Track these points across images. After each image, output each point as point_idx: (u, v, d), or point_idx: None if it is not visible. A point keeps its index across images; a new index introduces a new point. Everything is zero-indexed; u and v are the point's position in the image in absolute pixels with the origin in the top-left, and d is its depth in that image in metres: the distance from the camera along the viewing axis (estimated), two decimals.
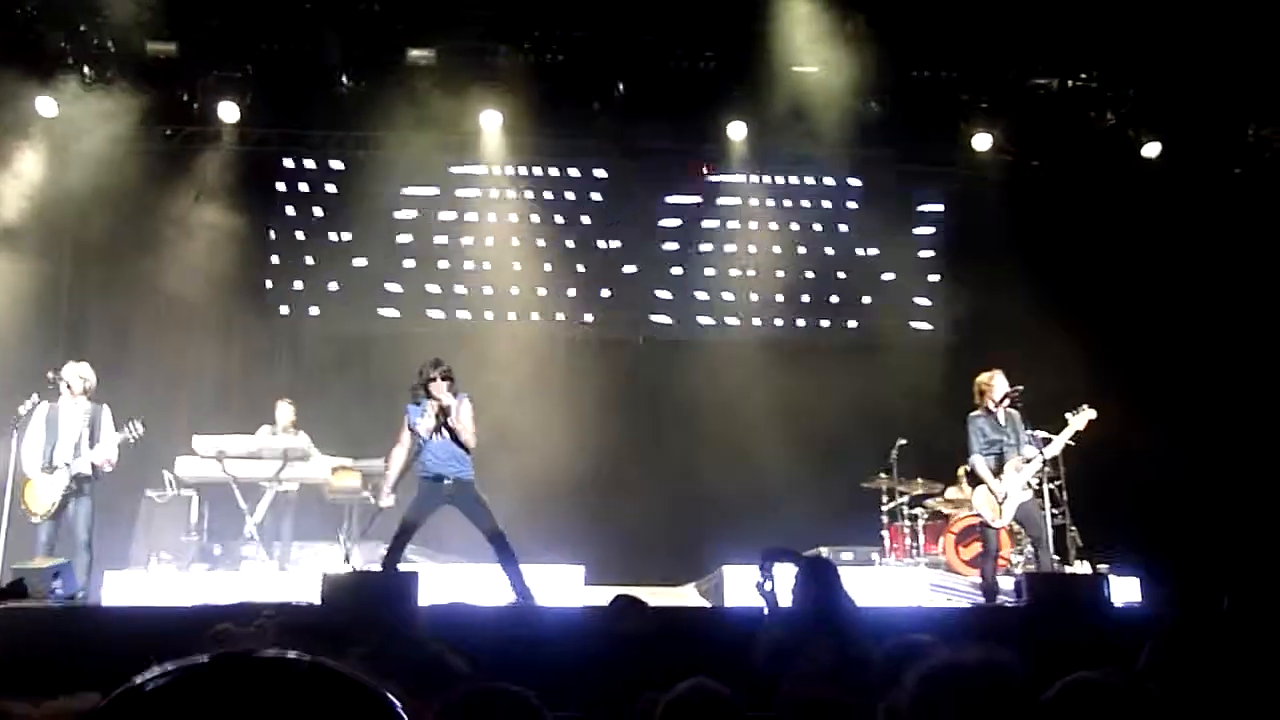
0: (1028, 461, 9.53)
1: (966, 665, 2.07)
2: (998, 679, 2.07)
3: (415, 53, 13.10)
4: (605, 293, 14.57)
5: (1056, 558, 10.14)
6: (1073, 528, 11.04)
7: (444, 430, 8.69)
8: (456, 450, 8.74)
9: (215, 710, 0.86)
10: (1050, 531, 9.92)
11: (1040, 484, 10.06)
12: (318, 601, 7.72)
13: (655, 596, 10.30)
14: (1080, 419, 9.78)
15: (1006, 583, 9.61)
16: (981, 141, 13.99)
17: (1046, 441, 9.75)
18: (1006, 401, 9.65)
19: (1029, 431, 9.67)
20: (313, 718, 0.86)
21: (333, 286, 14.27)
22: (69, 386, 9.70)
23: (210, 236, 13.42)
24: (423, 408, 8.76)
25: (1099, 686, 2.54)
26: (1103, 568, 10.56)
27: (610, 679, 5.66)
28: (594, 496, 12.80)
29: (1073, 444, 9.92)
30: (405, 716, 0.91)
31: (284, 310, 14.33)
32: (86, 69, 12.88)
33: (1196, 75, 13.12)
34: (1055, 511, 10.66)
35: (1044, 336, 12.25)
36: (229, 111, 13.37)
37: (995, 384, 9.71)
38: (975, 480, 9.72)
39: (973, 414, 9.77)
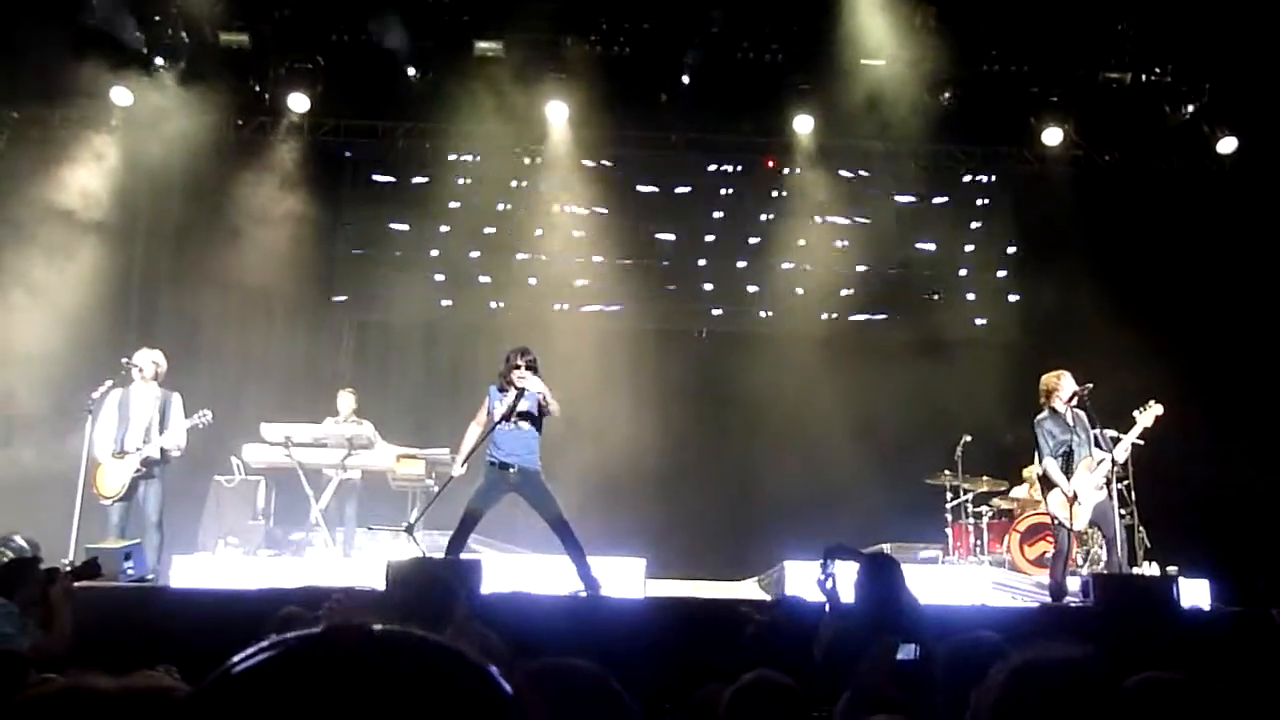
0: (1100, 462, 9.37)
1: (1054, 662, 2.05)
2: (1085, 677, 2.04)
3: (483, 44, 13.18)
4: (668, 286, 14.55)
5: (1125, 561, 9.96)
6: (1141, 529, 10.85)
7: (516, 418, 8.75)
8: (527, 439, 8.82)
9: (329, 680, 0.86)
10: (1120, 535, 9.75)
11: (1108, 483, 9.92)
12: (381, 587, 7.78)
13: (716, 590, 10.34)
14: (1148, 415, 9.60)
15: (1073, 583, 9.47)
16: (1052, 136, 13.80)
17: (1115, 441, 9.59)
18: (1074, 401, 9.49)
19: (1097, 430, 9.51)
20: (423, 691, 0.86)
21: (398, 276, 14.37)
22: (141, 372, 9.86)
23: (279, 226, 13.56)
24: (505, 392, 8.84)
25: (1168, 685, 2.50)
26: (1172, 570, 10.37)
27: (671, 670, 5.66)
28: (656, 490, 12.80)
29: (1141, 442, 9.75)
30: (509, 690, 0.91)
31: (350, 299, 14.45)
32: (160, 60, 13.10)
33: (1274, 69, 12.84)
34: (1123, 512, 10.48)
35: (1112, 335, 12.07)
36: (299, 102, 13.53)
37: (1062, 383, 9.53)
38: (1048, 484, 9.56)
39: (1039, 416, 9.60)
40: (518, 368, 8.78)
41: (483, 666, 0.90)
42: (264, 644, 0.90)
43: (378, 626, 0.90)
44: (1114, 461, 9.49)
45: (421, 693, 0.85)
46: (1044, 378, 9.69)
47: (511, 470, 8.75)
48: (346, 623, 0.90)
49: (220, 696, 0.88)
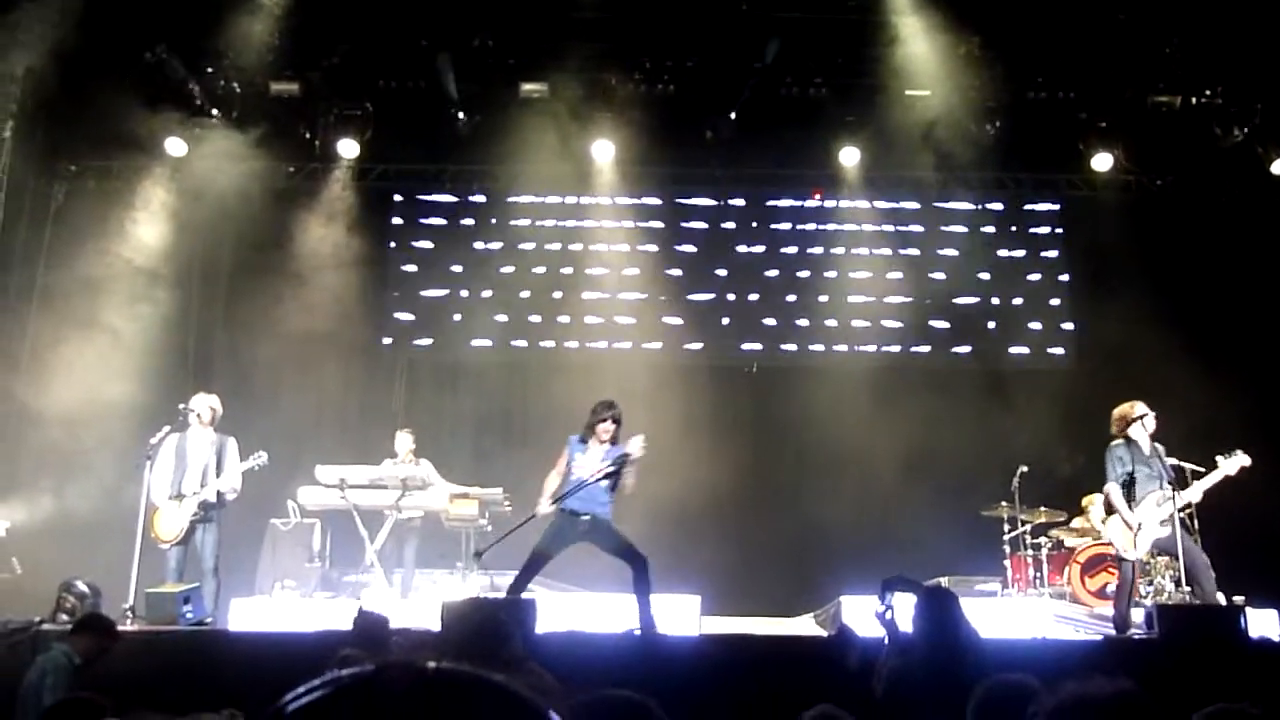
0: (1169, 498, 9.17)
1: (1097, 698, 2.00)
2: (1128, 711, 2.00)
3: (529, 86, 13.31)
4: (718, 321, 14.54)
5: (1187, 589, 9.74)
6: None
7: (602, 474, 8.77)
8: (603, 491, 8.84)
9: (382, 716, 0.86)
10: (1182, 562, 9.53)
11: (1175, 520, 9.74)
12: (436, 628, 7.78)
13: (772, 627, 10.26)
14: (1232, 464, 9.31)
15: (1136, 614, 9.29)
16: (1101, 161, 13.69)
17: (1198, 475, 9.40)
18: (1144, 438, 9.31)
19: (1171, 461, 9.32)
20: None
21: (448, 317, 14.48)
22: (198, 416, 9.99)
23: (331, 270, 13.72)
24: (587, 445, 8.92)
25: (1237, 717, 2.45)
26: (1238, 599, 10.13)
27: (728, 707, 5.62)
28: (710, 526, 12.73)
29: (1201, 469, 9.57)
30: None
31: (402, 341, 14.56)
32: (213, 110, 13.35)
33: None
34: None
35: (1170, 361, 11.89)
36: (349, 148, 13.73)
37: (1135, 412, 9.38)
38: (1110, 510, 9.40)
39: (1114, 443, 9.45)
40: (603, 421, 8.88)
41: (534, 702, 0.90)
42: (318, 681, 0.90)
43: (431, 664, 0.90)
44: (1188, 501, 9.29)
45: None
46: (1118, 408, 9.51)
47: (584, 519, 8.77)
48: (400, 660, 0.90)
49: None
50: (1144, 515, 9.13)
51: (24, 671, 6.59)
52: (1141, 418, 9.35)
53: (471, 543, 11.78)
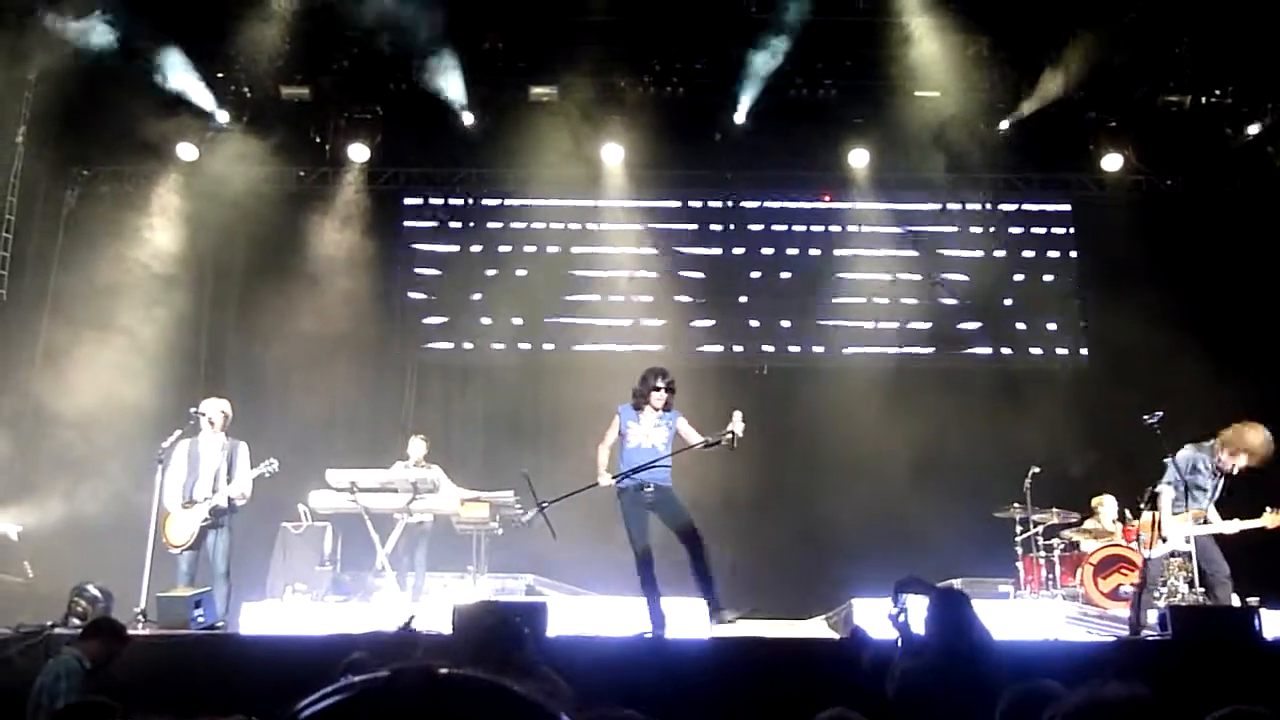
0: (1206, 522, 9.13)
1: (1109, 701, 1.99)
2: (1142, 715, 1.99)
3: (538, 89, 13.35)
4: (726, 322, 14.53)
5: (1201, 590, 9.71)
6: None
7: (653, 439, 8.83)
8: (658, 455, 8.85)
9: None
10: (1195, 564, 9.50)
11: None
12: (448, 631, 7.79)
13: (783, 629, 10.24)
14: (1273, 519, 9.26)
15: (1150, 616, 9.25)
16: (1112, 162, 13.67)
17: (1229, 490, 9.36)
18: (1235, 468, 9.12)
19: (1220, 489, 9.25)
20: None
21: (460, 320, 14.50)
22: (210, 421, 10.02)
23: (342, 274, 13.76)
24: (640, 413, 8.93)
25: (1253, 718, 2.43)
26: (1253, 600, 10.09)
27: (739, 710, 5.61)
28: (720, 528, 12.67)
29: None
30: None
31: (412, 344, 14.59)
32: (224, 115, 13.40)
33: None
34: None
35: (1182, 360, 11.86)
36: (359, 152, 13.77)
37: (1246, 447, 9.07)
38: (1153, 505, 9.30)
39: (1192, 447, 9.32)
40: (657, 389, 8.87)
41: (546, 707, 0.90)
42: (332, 687, 0.90)
43: (442, 669, 0.90)
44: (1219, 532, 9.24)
45: None
46: (1232, 427, 9.21)
47: (648, 490, 8.76)
48: (412, 665, 0.90)
49: None
50: (1177, 526, 9.08)
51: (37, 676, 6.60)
52: (1242, 452, 9.13)
53: (483, 546, 11.79)
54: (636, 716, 2.74)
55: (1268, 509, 9.34)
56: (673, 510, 8.84)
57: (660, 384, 8.88)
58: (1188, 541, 9.16)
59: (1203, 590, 9.58)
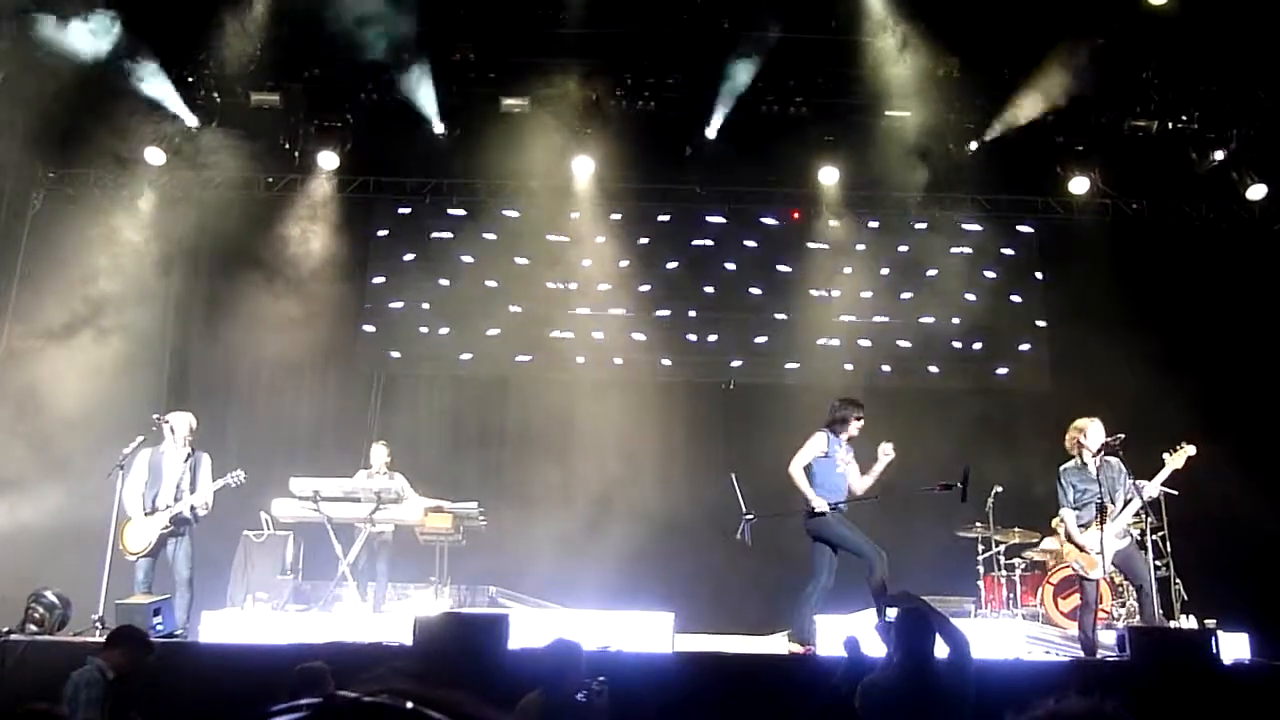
0: (1127, 503, 9.20)
1: (1072, 715, 1.99)
2: None
3: (509, 101, 13.34)
4: (694, 338, 14.54)
5: (1161, 612, 9.81)
6: (1178, 581, 10.70)
7: (850, 467, 9.57)
8: (847, 482, 9.58)
9: None
10: (1154, 582, 9.59)
11: (1143, 535, 9.77)
12: (409, 643, 7.75)
13: (746, 645, 10.24)
14: (1179, 457, 9.35)
15: (1108, 636, 9.32)
16: (1078, 185, 13.79)
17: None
18: (1103, 451, 9.34)
19: (1131, 480, 9.34)
20: None
21: (426, 331, 14.44)
22: (173, 431, 9.95)
23: (308, 282, 13.69)
24: (840, 440, 9.60)
25: None
26: (1210, 622, 10.18)
27: None
28: (684, 542, 12.72)
29: (1174, 492, 9.62)
30: None
31: (378, 354, 14.51)
32: (193, 120, 13.31)
33: None
34: (1159, 564, 10.35)
35: (1144, 383, 11.97)
36: (329, 160, 13.71)
37: (1090, 432, 9.37)
38: (1068, 534, 9.46)
39: (1064, 466, 9.47)
40: (859, 419, 9.73)
41: None
42: (278, 708, 0.90)
43: (369, 698, 0.92)
44: (1142, 502, 9.30)
45: None
46: (1074, 424, 9.53)
47: (841, 508, 9.46)
48: (339, 694, 0.91)
49: None
50: (1104, 533, 9.11)
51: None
52: (1079, 433, 9.39)
53: (446, 556, 11.75)
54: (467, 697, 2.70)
55: (1165, 455, 9.41)
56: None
57: (861, 414, 9.74)
58: (1123, 537, 9.21)
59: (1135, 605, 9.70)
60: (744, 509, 9.38)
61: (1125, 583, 10.32)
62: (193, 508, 9.84)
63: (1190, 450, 9.38)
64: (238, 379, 13.55)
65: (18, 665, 7.84)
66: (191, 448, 10.10)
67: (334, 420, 14.07)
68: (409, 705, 0.91)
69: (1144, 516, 9.41)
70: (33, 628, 9.03)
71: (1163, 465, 9.40)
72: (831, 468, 9.46)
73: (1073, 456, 9.46)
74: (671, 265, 14.74)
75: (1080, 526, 9.26)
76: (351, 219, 14.39)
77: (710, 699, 7.37)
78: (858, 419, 9.64)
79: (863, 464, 9.63)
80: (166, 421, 9.99)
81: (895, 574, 11.06)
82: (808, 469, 9.53)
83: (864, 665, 6.01)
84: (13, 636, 8.19)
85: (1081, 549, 9.18)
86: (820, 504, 9.30)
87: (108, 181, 13.72)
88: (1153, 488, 9.39)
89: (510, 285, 14.55)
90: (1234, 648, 9.47)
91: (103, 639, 8.76)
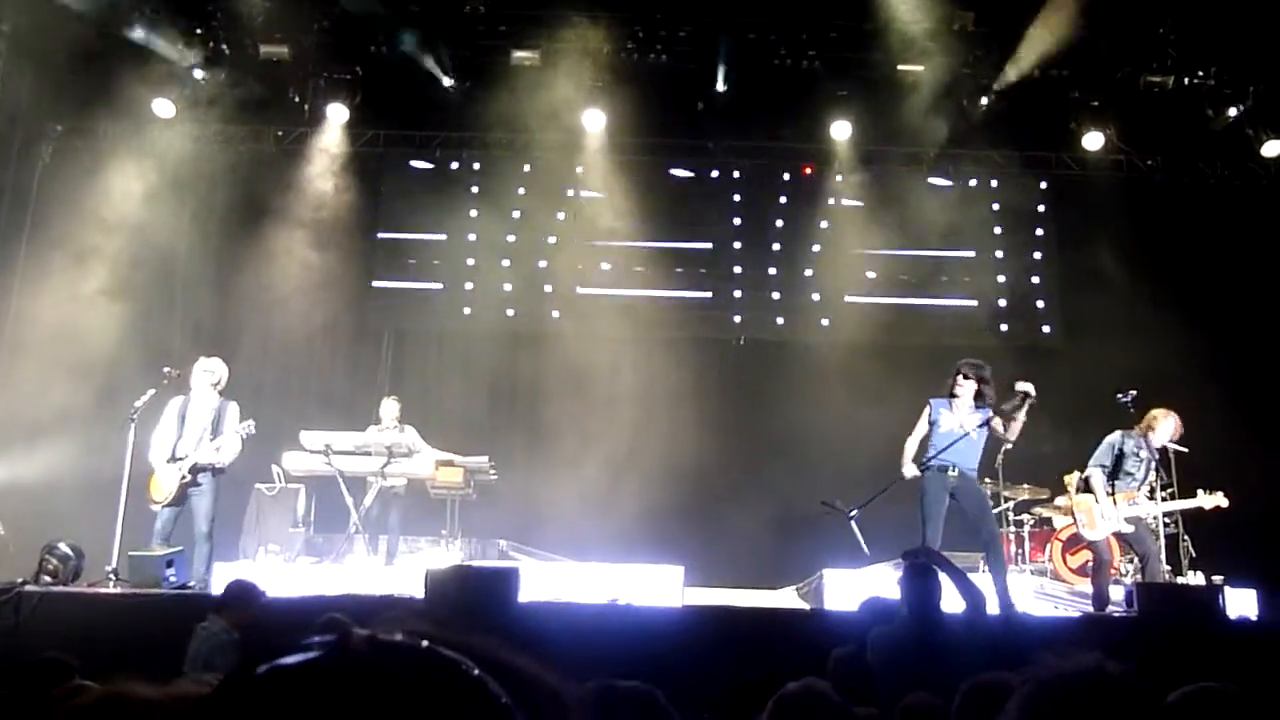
0: (1139, 497, 9.32)
1: (1081, 674, 1.99)
2: (1112, 689, 1.99)
3: (520, 54, 13.24)
4: (707, 294, 14.51)
5: (1168, 568, 9.84)
6: (1185, 537, 10.72)
7: (967, 426, 9.00)
8: (973, 446, 9.05)
9: (340, 684, 0.87)
10: (1162, 543, 9.64)
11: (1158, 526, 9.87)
12: (420, 595, 7.80)
13: (755, 599, 10.30)
14: (1209, 500, 9.58)
15: (1116, 592, 9.37)
16: (1093, 140, 13.68)
17: (1170, 497, 9.57)
18: (1161, 445, 9.45)
19: (1159, 485, 9.45)
20: (421, 698, 0.87)
21: (436, 285, 14.43)
22: (212, 378, 9.94)
23: (318, 236, 13.68)
24: (952, 404, 9.11)
25: (1217, 696, 2.45)
26: (1217, 579, 10.21)
27: (710, 678, 5.65)
28: (693, 497, 12.75)
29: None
30: (505, 701, 0.91)
31: (389, 308, 14.52)
32: (202, 72, 13.24)
33: None
34: (1168, 520, 10.36)
35: (1155, 340, 11.92)
36: (338, 113, 13.65)
37: (1163, 426, 9.47)
38: (1086, 488, 9.50)
39: (1120, 432, 9.57)
40: (962, 380, 9.11)
41: (479, 678, 0.91)
42: (294, 650, 0.90)
43: (385, 636, 0.92)
44: (1154, 516, 9.45)
45: (420, 700, 0.87)
46: (1153, 410, 9.59)
47: (952, 473, 8.93)
48: (358, 632, 0.91)
49: (238, 694, 0.89)
50: (1111, 507, 9.25)
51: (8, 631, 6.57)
52: (1155, 420, 9.47)
53: (457, 510, 11.82)
54: (638, 686, 2.73)
55: (1200, 491, 9.53)
56: (975, 502, 9.01)
57: (972, 374, 9.09)
58: (1128, 522, 9.31)
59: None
60: (848, 512, 9.25)
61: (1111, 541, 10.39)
62: (213, 462, 9.81)
63: (1222, 501, 9.59)
64: (248, 332, 13.55)
65: (31, 616, 7.91)
66: (219, 395, 10.09)
67: (345, 374, 14.10)
68: (424, 644, 0.92)
69: (1149, 516, 9.50)
70: (47, 579, 9.09)
71: (1193, 495, 9.52)
72: (935, 432, 9.15)
73: (1133, 428, 9.52)
74: (684, 221, 14.68)
75: (1107, 493, 9.35)
76: (361, 172, 14.34)
77: (719, 652, 7.42)
78: (958, 380, 9.14)
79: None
80: (207, 370, 9.96)
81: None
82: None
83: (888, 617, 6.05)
84: (27, 588, 8.26)
85: (1096, 509, 9.24)
86: (908, 469, 9.14)
87: (116, 134, 13.68)
88: (1170, 506, 9.53)
89: (520, 239, 14.51)
90: (1241, 603, 9.51)
91: (116, 589, 8.89)
